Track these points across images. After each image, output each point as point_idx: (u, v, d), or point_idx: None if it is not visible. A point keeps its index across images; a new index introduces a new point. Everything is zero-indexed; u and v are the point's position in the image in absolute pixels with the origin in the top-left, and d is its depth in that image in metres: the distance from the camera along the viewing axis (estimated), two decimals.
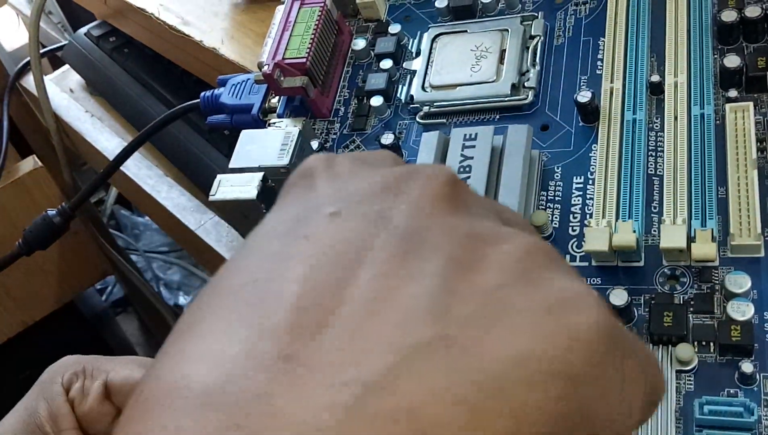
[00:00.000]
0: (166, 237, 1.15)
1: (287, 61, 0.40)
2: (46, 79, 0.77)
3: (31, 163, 0.80)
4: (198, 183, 0.64)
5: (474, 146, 0.35)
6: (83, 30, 0.77)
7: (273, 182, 0.37)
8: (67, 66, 0.80)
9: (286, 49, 0.41)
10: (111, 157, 0.68)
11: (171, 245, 1.18)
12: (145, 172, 0.67)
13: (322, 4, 0.42)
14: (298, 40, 0.41)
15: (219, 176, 0.37)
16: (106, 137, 0.72)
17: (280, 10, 0.43)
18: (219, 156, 0.61)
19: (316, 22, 0.41)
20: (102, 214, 1.14)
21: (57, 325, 0.91)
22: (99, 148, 0.71)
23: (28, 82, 0.79)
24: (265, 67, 0.40)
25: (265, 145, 0.38)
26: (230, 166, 0.38)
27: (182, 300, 1.16)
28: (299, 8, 0.42)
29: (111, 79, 0.72)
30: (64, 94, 0.78)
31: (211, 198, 0.37)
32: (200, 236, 0.60)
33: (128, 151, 0.56)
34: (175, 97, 0.68)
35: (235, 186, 0.37)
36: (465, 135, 0.36)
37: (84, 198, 0.62)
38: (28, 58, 0.77)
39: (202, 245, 0.61)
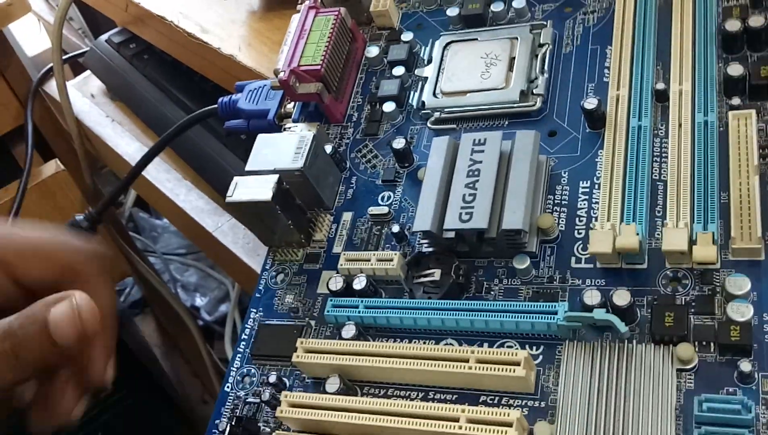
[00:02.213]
0: (183, 239, 1.17)
1: (302, 67, 0.41)
2: (68, 84, 0.78)
3: (53, 166, 0.81)
4: (215, 186, 0.65)
5: (483, 151, 0.35)
6: (104, 37, 0.78)
7: (288, 184, 0.38)
8: (88, 72, 0.81)
9: (301, 56, 0.41)
10: (131, 161, 0.69)
11: (188, 247, 1.19)
12: (164, 175, 0.68)
13: (337, 13, 0.43)
14: (313, 48, 0.41)
15: (236, 178, 0.38)
16: (126, 141, 0.73)
17: (295, 19, 0.43)
18: (236, 160, 0.62)
19: (331, 30, 0.42)
20: (120, 216, 1.15)
21: None
22: (119, 152, 0.72)
23: (51, 87, 0.80)
24: (281, 74, 0.41)
25: (281, 148, 0.39)
26: (246, 168, 0.39)
27: (199, 301, 1.17)
28: (314, 16, 0.43)
29: (131, 84, 0.73)
30: (86, 99, 0.79)
31: (227, 199, 0.38)
32: (217, 238, 0.61)
33: (149, 156, 0.57)
34: (193, 102, 0.69)
35: (251, 188, 0.37)
36: (474, 140, 0.36)
37: (109, 203, 0.64)
38: (51, 65, 0.78)
39: (219, 247, 0.61)
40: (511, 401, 0.31)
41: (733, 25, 0.36)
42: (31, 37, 0.93)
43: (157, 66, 0.73)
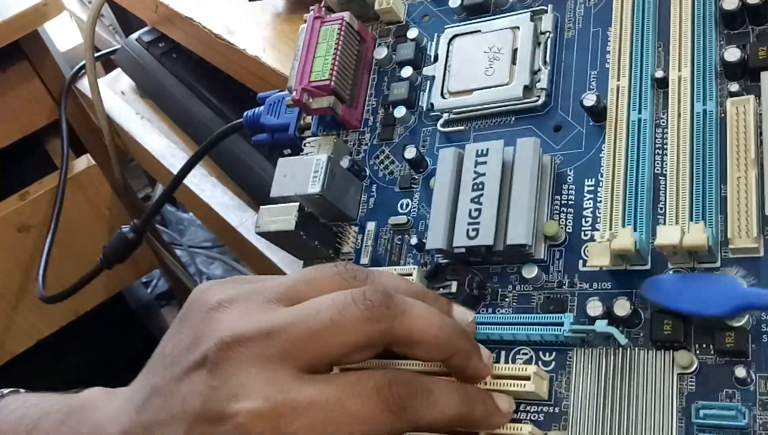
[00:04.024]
0: (209, 233, 1.19)
1: (313, 84, 0.41)
2: (100, 82, 0.80)
3: (85, 162, 0.82)
4: (240, 183, 0.67)
5: (486, 162, 0.36)
6: (134, 36, 0.79)
7: (310, 208, 0.39)
8: (119, 69, 0.83)
9: (310, 71, 0.41)
10: (159, 158, 0.72)
11: (214, 241, 1.21)
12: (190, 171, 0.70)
13: (341, 21, 0.42)
14: (321, 61, 0.41)
15: (261, 209, 0.39)
16: (154, 138, 0.74)
17: (302, 30, 0.43)
18: (260, 158, 0.64)
19: (336, 40, 0.42)
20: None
21: (105, 315, 0.94)
22: (148, 148, 0.73)
23: (83, 84, 0.82)
24: (294, 93, 0.41)
25: (299, 173, 0.39)
26: (271, 195, 0.40)
27: None
28: (320, 27, 0.43)
29: (160, 82, 0.75)
30: (116, 96, 0.81)
31: (256, 230, 0.39)
32: (241, 233, 0.63)
33: (187, 167, 0.59)
34: (220, 101, 0.70)
35: (275, 217, 0.38)
36: (477, 151, 0.36)
37: (152, 214, 0.67)
38: (83, 62, 0.80)
39: (243, 242, 0.63)
40: (528, 407, 0.32)
41: (730, 3, 0.34)
42: (63, 32, 0.95)
43: (186, 65, 0.74)
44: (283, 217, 0.38)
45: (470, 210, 0.35)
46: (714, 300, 0.30)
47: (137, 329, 1.04)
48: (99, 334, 0.99)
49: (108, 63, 0.89)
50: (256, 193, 0.64)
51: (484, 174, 0.36)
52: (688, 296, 0.30)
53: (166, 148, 0.73)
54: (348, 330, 0.28)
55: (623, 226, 0.33)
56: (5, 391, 0.36)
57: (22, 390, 0.37)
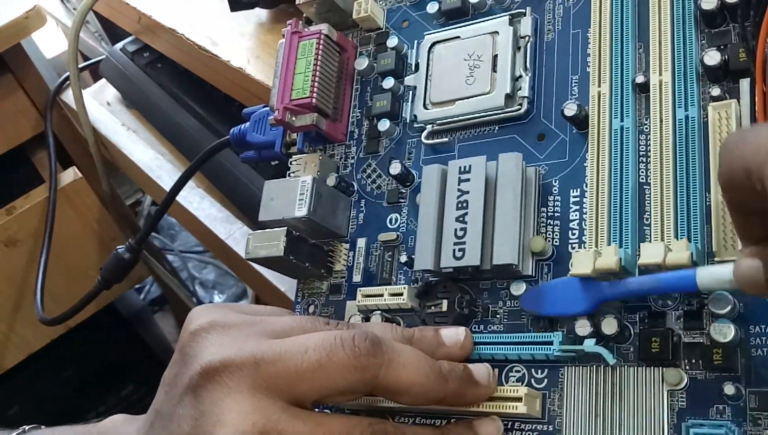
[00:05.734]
0: None
1: (294, 102, 0.41)
2: (85, 92, 0.79)
3: (71, 174, 0.81)
4: (228, 194, 0.66)
5: (469, 179, 0.35)
6: (119, 45, 0.78)
7: (298, 231, 0.39)
8: (104, 79, 0.83)
9: (291, 89, 0.41)
10: (146, 170, 0.71)
11: None
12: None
13: (318, 35, 0.42)
14: (301, 78, 0.41)
15: (249, 235, 0.39)
16: (140, 149, 0.74)
17: (281, 46, 0.42)
18: (248, 169, 0.63)
19: (315, 55, 0.41)
20: (139, 215, 1.17)
21: (97, 325, 0.93)
22: (134, 160, 0.73)
23: (68, 96, 0.81)
24: (276, 112, 0.40)
25: (285, 196, 0.39)
26: (259, 219, 0.40)
27: (217, 298, 1.19)
28: (298, 43, 0.42)
29: (145, 93, 0.74)
30: (102, 107, 0.80)
31: (246, 257, 0.39)
32: (230, 245, 0.62)
33: (177, 187, 0.58)
34: (206, 111, 0.69)
35: (264, 243, 0.38)
36: (460, 168, 0.36)
37: (147, 234, 0.67)
38: (68, 74, 0.79)
39: (233, 254, 0.62)
40: (522, 425, 0.33)
41: (709, 3, 0.34)
42: (50, 38, 0.94)
43: (171, 75, 0.73)
44: (272, 243, 0.38)
45: (456, 229, 0.35)
46: (576, 300, 0.32)
47: (129, 338, 1.03)
48: (92, 343, 0.98)
49: (96, 71, 0.88)
50: (244, 205, 0.63)
51: (467, 192, 0.35)
52: (556, 301, 0.33)
53: (152, 159, 0.72)
54: (333, 375, 0.29)
55: (608, 243, 0.32)
56: (26, 427, 0.37)
57: (43, 426, 0.37)
